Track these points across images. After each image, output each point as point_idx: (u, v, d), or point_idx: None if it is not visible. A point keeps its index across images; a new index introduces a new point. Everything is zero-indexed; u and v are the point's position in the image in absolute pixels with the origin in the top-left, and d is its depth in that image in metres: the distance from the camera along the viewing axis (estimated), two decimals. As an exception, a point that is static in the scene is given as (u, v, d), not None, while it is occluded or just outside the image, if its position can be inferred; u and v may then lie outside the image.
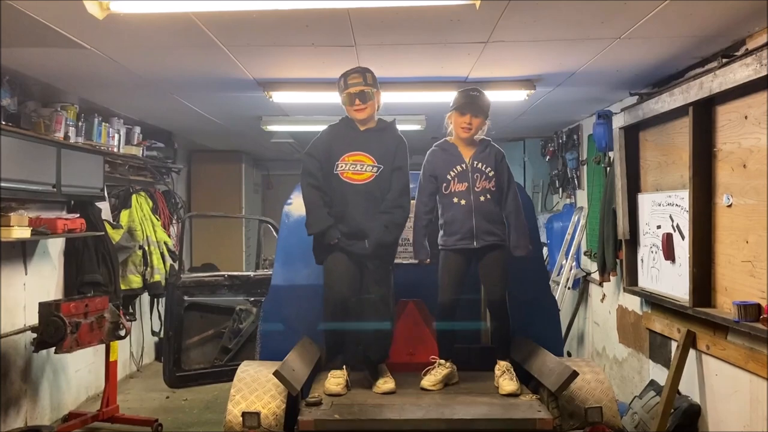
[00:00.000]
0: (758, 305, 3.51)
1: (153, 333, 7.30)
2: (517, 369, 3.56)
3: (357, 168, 3.54)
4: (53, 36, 3.62)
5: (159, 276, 6.73)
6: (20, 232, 4.53)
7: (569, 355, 6.94)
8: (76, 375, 5.86)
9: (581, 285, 6.90)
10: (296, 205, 4.13)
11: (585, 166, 6.80)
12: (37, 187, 4.87)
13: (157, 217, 7.12)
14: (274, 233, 5.42)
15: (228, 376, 3.78)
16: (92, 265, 5.66)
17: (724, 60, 3.73)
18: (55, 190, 5.07)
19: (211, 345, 5.27)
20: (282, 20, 3.45)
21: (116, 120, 6.21)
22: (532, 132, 7.89)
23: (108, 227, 6.03)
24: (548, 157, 7.90)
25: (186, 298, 5.15)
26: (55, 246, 5.55)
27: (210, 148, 9.14)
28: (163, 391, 6.04)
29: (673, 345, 4.57)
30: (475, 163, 3.61)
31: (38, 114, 4.97)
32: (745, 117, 3.67)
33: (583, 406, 3.27)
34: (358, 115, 3.59)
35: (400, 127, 3.75)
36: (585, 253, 6.81)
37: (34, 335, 4.67)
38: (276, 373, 3.14)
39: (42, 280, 5.33)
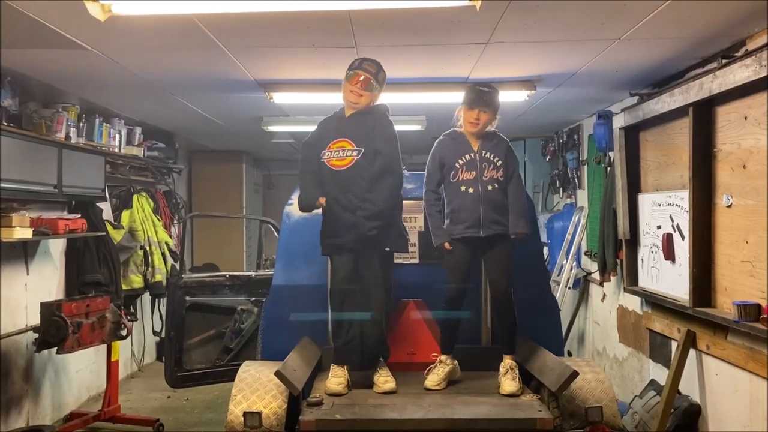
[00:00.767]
0: (758, 305, 3.51)
1: (154, 333, 7.31)
2: (518, 368, 3.56)
3: (339, 154, 3.59)
4: (54, 37, 3.63)
5: (160, 276, 6.74)
6: (22, 232, 4.54)
7: (570, 354, 6.95)
8: (78, 375, 5.87)
9: (582, 285, 6.91)
10: (297, 206, 4.14)
11: (585, 166, 6.80)
12: (39, 187, 4.88)
13: (158, 217, 7.13)
14: (275, 233, 5.42)
15: (229, 376, 3.80)
16: (93, 266, 5.67)
17: (724, 61, 3.74)
18: (56, 190, 5.08)
19: (212, 345, 5.28)
20: (283, 22, 3.45)
21: (117, 120, 6.22)
22: (532, 132, 7.89)
23: (109, 227, 6.04)
24: (549, 157, 7.91)
25: (187, 298, 5.16)
26: (57, 246, 5.56)
27: (211, 148, 9.15)
28: (165, 391, 6.05)
29: (674, 345, 4.57)
30: (484, 152, 3.63)
31: (39, 115, 4.98)
32: (745, 118, 3.68)
33: (584, 405, 3.28)
34: (352, 97, 3.60)
35: (400, 128, 3.76)
36: (585, 253, 6.82)
37: (36, 335, 4.69)
38: (277, 373, 3.14)
39: (43, 281, 5.34)
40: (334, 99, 3.83)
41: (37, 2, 3.15)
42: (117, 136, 6.20)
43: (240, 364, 3.69)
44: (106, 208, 6.18)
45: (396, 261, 3.97)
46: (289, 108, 5.86)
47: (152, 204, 7.05)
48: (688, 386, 4.37)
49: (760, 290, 3.54)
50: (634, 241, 5.13)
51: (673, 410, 4.31)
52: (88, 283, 5.59)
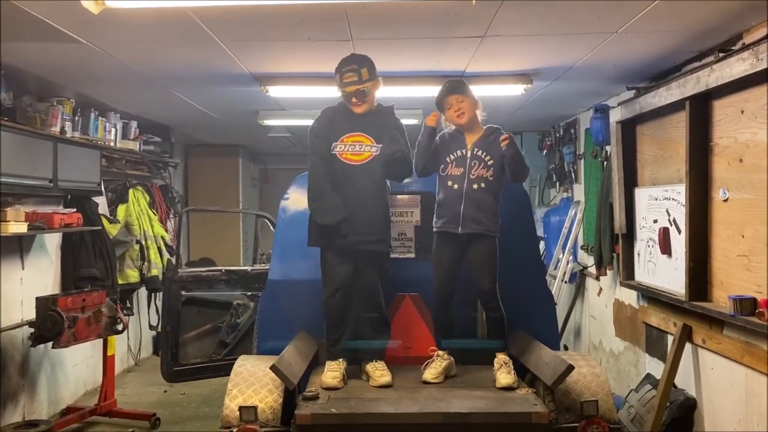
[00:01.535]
0: (754, 299, 3.52)
1: (150, 327, 7.31)
2: (513, 362, 3.56)
3: (356, 149, 3.56)
4: (49, 31, 3.61)
5: (156, 270, 6.73)
6: (17, 227, 4.53)
7: (566, 348, 6.96)
8: (74, 369, 5.87)
9: (578, 279, 6.92)
10: (293, 200, 4.14)
11: (582, 160, 6.80)
12: (34, 181, 4.86)
13: (154, 211, 7.12)
14: (272, 228, 5.41)
15: (225, 370, 3.79)
16: (89, 260, 5.66)
17: (721, 54, 3.73)
18: (51, 184, 5.07)
19: (208, 339, 5.28)
20: (278, 15, 3.44)
21: (113, 114, 6.19)
22: (529, 126, 7.88)
23: (105, 222, 6.03)
24: (545, 151, 7.90)
25: (183, 292, 5.15)
26: (52, 241, 5.54)
27: (207, 142, 9.12)
28: (161, 386, 6.05)
29: (670, 339, 4.58)
30: (476, 150, 3.63)
31: (34, 108, 4.95)
32: (742, 111, 3.67)
33: (579, 399, 3.28)
34: (357, 109, 3.61)
35: None
36: (582, 247, 6.82)
37: (32, 330, 4.67)
38: (273, 368, 3.14)
39: (39, 275, 5.33)
40: (331, 93, 3.82)
41: (30, -5, 3.13)
42: (113, 130, 6.17)
43: (236, 359, 3.69)
44: (101, 203, 6.16)
45: (392, 256, 3.98)
46: (285, 102, 5.84)
47: (148, 198, 7.04)
48: (684, 380, 4.38)
49: (756, 284, 3.55)
50: (630, 235, 5.13)
51: (668, 404, 4.32)
52: (83, 278, 5.58)
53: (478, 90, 4.81)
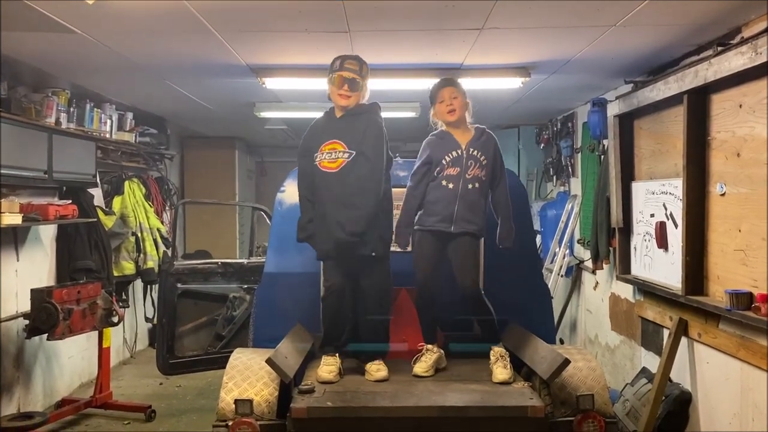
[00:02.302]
0: (750, 294, 3.52)
1: (146, 320, 7.29)
2: (509, 356, 3.56)
3: (331, 156, 3.50)
4: (43, 20, 3.58)
5: (152, 263, 6.71)
6: (11, 218, 4.50)
7: (562, 342, 6.97)
8: (69, 361, 5.85)
9: (574, 273, 6.92)
10: (289, 193, 4.12)
11: (579, 154, 6.79)
12: (28, 173, 4.83)
13: (150, 203, 7.09)
14: (268, 220, 5.40)
15: (221, 363, 3.78)
16: (85, 252, 5.64)
17: (720, 48, 3.72)
18: (46, 176, 5.04)
19: (204, 332, 5.27)
20: (274, 5, 3.41)
21: (108, 106, 6.16)
22: (526, 119, 7.87)
23: (100, 213, 6.00)
24: (543, 145, 7.89)
25: (179, 285, 5.14)
26: (47, 232, 5.52)
27: (203, 134, 9.09)
28: (157, 378, 6.04)
29: (665, 333, 4.59)
30: (471, 150, 3.61)
31: (29, 99, 4.92)
32: (740, 106, 3.67)
33: (575, 393, 3.28)
34: (342, 101, 3.54)
35: (394, 115, 3.73)
36: (578, 241, 6.82)
37: (27, 322, 4.66)
38: (268, 361, 3.14)
39: (34, 267, 5.31)
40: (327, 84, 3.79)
41: (24, -16, 3.10)
42: (108, 121, 6.14)
43: (232, 352, 3.68)
44: (97, 194, 6.13)
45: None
46: (282, 94, 5.81)
47: (144, 190, 7.01)
48: (680, 374, 4.39)
49: (753, 279, 3.55)
50: (627, 229, 5.13)
51: (664, 398, 4.33)
52: (79, 270, 5.55)
53: (475, 83, 4.83)
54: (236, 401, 3.19)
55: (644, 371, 4.89)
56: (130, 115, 6.67)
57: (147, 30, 3.86)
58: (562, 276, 6.90)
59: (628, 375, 5.31)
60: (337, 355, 3.52)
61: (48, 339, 4.70)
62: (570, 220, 6.82)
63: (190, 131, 8.87)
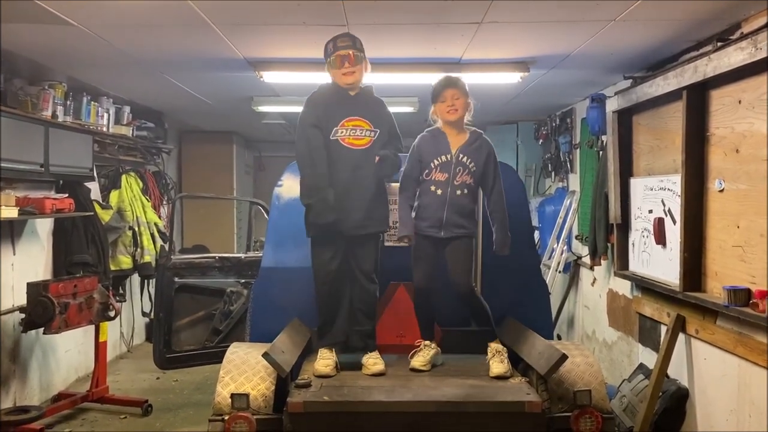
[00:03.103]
0: (748, 290, 3.52)
1: (143, 314, 7.29)
2: (507, 351, 3.56)
3: (357, 133, 3.50)
4: (40, 12, 3.56)
5: (149, 257, 6.70)
6: (7, 211, 4.49)
7: (559, 338, 6.97)
8: (66, 355, 5.85)
9: (572, 269, 6.92)
10: (287, 187, 4.11)
11: (578, 150, 6.78)
12: (25, 166, 4.81)
13: (148, 197, 7.07)
14: (265, 215, 5.39)
15: (218, 357, 3.77)
16: (81, 246, 5.62)
17: (719, 44, 3.70)
18: (43, 169, 5.02)
19: (201, 326, 5.26)
20: (273, -2, 3.40)
21: (105, 99, 6.13)
22: (525, 115, 7.86)
23: (97, 207, 5.98)
24: (541, 141, 7.88)
25: (176, 279, 5.12)
26: (44, 226, 5.50)
27: (201, 128, 9.07)
28: (154, 372, 6.03)
29: (663, 329, 4.59)
30: (461, 156, 3.58)
31: (25, 92, 4.89)
32: (739, 101, 3.66)
33: (572, 389, 3.28)
34: (347, 78, 3.51)
35: (393, 109, 3.73)
36: (576, 237, 6.82)
37: (23, 316, 4.65)
38: (265, 355, 3.13)
39: (30, 261, 5.29)
40: (325, 78, 3.76)
41: (19, -25, 3.08)
42: (105, 114, 6.11)
43: (229, 346, 3.67)
44: (94, 188, 6.11)
45: (387, 244, 3.96)
46: (280, 88, 5.79)
47: (141, 184, 6.99)
48: (677, 370, 4.39)
49: (751, 275, 3.54)
50: (625, 226, 5.12)
51: (661, 394, 4.33)
52: (75, 264, 5.54)
53: (474, 78, 4.81)
54: (233, 395, 3.18)
55: (641, 367, 4.89)
56: (127, 109, 6.65)
57: (144, 23, 3.84)
58: (560, 272, 6.90)
59: (625, 371, 5.31)
60: (333, 349, 3.51)
61: (44, 333, 4.70)
62: (568, 215, 6.81)
63: (187, 125, 8.84)
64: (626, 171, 5.10)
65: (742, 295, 3.52)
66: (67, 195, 5.33)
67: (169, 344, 5.08)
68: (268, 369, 3.24)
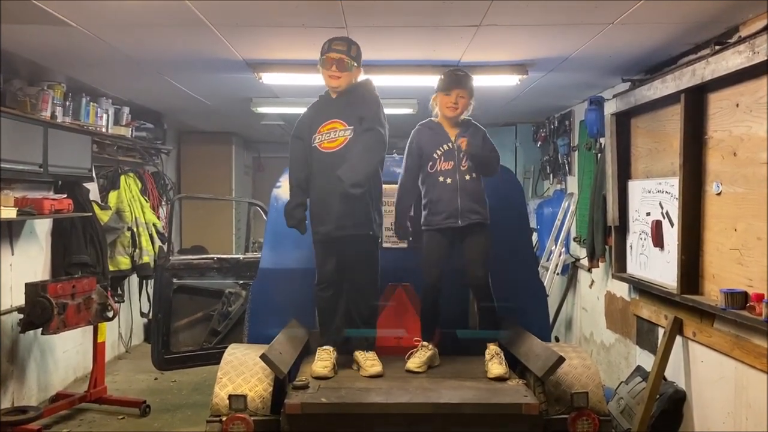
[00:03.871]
0: (745, 293, 3.52)
1: (141, 315, 7.29)
2: (504, 353, 3.56)
3: (331, 136, 3.51)
4: (39, 13, 3.56)
5: (148, 257, 6.70)
6: (6, 212, 4.49)
7: (557, 340, 6.98)
8: (64, 356, 5.84)
9: (570, 271, 6.92)
10: (285, 189, 4.10)
11: (576, 152, 6.79)
12: (24, 166, 4.81)
13: (146, 198, 7.08)
14: (264, 216, 5.39)
15: (217, 358, 3.78)
16: (80, 246, 5.62)
17: (717, 47, 3.71)
18: (41, 170, 5.02)
19: (200, 327, 5.26)
20: (272, 0, 3.40)
21: (104, 100, 6.13)
22: (523, 117, 7.86)
23: (96, 208, 5.98)
24: (539, 143, 7.89)
25: (175, 280, 5.13)
26: (43, 226, 5.50)
27: (200, 129, 9.06)
28: (152, 373, 6.03)
29: (660, 331, 4.59)
30: (461, 141, 3.61)
31: (24, 93, 4.90)
32: (737, 105, 3.66)
33: (570, 391, 3.28)
34: (333, 82, 3.55)
35: (392, 111, 3.73)
36: (574, 239, 6.82)
37: (21, 316, 4.65)
38: (263, 357, 3.13)
39: (29, 261, 5.29)
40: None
41: (19, -24, 3.08)
42: (104, 115, 6.11)
43: (227, 347, 3.67)
44: (93, 189, 6.11)
45: (385, 245, 3.96)
46: (279, 89, 5.80)
47: (140, 185, 6.99)
48: (674, 373, 4.39)
49: (748, 278, 3.55)
50: (623, 228, 5.13)
51: (658, 396, 4.33)
52: (74, 264, 5.54)
53: (473, 80, 4.80)
54: (230, 397, 3.18)
55: (639, 369, 4.89)
56: (126, 110, 6.65)
57: (144, 24, 3.84)
58: (557, 274, 6.90)
59: (622, 373, 5.32)
60: (331, 349, 3.52)
61: (42, 333, 4.69)
62: (566, 218, 6.82)
63: (186, 126, 8.84)
64: (624, 173, 5.11)
65: (739, 298, 3.52)
66: (65, 195, 5.33)
67: (168, 345, 5.08)
68: (266, 370, 3.24)
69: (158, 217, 7.21)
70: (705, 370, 4.06)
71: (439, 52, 4.45)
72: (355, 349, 3.59)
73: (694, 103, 4.02)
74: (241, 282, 5.22)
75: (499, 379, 3.38)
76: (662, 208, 4.49)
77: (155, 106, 7.28)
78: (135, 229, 6.62)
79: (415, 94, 5.89)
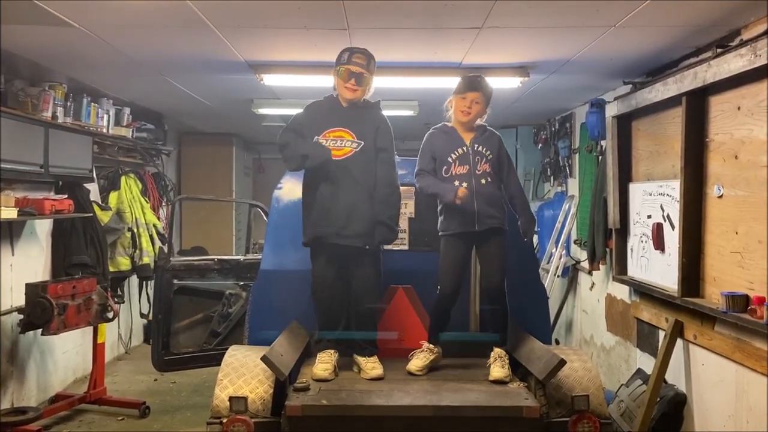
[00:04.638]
0: (746, 296, 3.52)
1: (141, 316, 7.27)
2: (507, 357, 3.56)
3: (337, 144, 3.52)
4: (41, 13, 3.56)
5: (148, 258, 6.69)
6: (7, 212, 4.49)
7: (557, 342, 6.98)
8: (64, 357, 5.83)
9: (570, 273, 6.92)
10: (286, 190, 4.11)
11: (577, 155, 6.79)
12: (24, 167, 4.81)
13: (147, 199, 7.07)
14: (264, 217, 5.39)
15: (217, 360, 3.77)
16: (80, 247, 5.61)
17: (719, 50, 3.71)
18: (42, 170, 5.01)
19: (200, 329, 5.25)
20: (274, 1, 3.40)
21: (105, 100, 6.13)
22: (524, 119, 7.86)
23: (96, 209, 5.98)
24: (540, 145, 7.89)
25: (175, 281, 5.12)
26: (43, 227, 5.50)
27: (201, 130, 9.06)
28: (151, 374, 6.02)
29: (661, 334, 4.59)
30: (476, 146, 3.61)
31: (25, 93, 4.89)
32: (738, 108, 3.66)
33: (570, 394, 3.28)
34: (348, 94, 3.55)
35: (393, 113, 3.74)
36: (575, 242, 6.82)
37: (21, 316, 4.64)
38: (263, 358, 3.13)
39: (29, 261, 5.28)
40: (326, 82, 3.78)
41: (21, -23, 3.08)
42: (105, 116, 6.11)
43: (227, 349, 3.67)
44: (93, 189, 6.10)
45: (386, 248, 3.96)
46: (280, 90, 5.80)
47: (140, 186, 6.98)
48: (675, 375, 4.39)
49: (749, 281, 3.55)
50: (624, 231, 5.13)
51: (659, 399, 4.33)
52: (74, 265, 5.53)
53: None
54: (231, 398, 3.18)
55: (639, 372, 4.89)
56: (127, 110, 6.65)
57: (145, 25, 3.84)
58: (558, 276, 6.90)
59: (623, 376, 5.32)
60: (332, 352, 3.51)
61: (42, 334, 4.69)
62: (567, 220, 6.82)
63: (187, 127, 8.84)
64: (625, 176, 5.11)
65: (740, 301, 3.52)
66: (66, 196, 5.33)
67: (168, 346, 5.07)
68: (267, 372, 3.24)
69: (158, 218, 7.20)
70: (705, 373, 4.05)
71: (441, 54, 4.45)
72: (355, 353, 3.58)
73: (696, 105, 4.02)
74: (242, 283, 5.22)
75: (500, 382, 3.37)
76: (663, 210, 4.49)
77: (156, 107, 7.29)
78: (135, 230, 6.61)
79: (416, 96, 5.89)
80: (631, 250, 5.05)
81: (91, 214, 5.74)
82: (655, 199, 4.62)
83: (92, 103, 5.82)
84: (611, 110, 5.28)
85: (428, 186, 3.61)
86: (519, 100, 6.21)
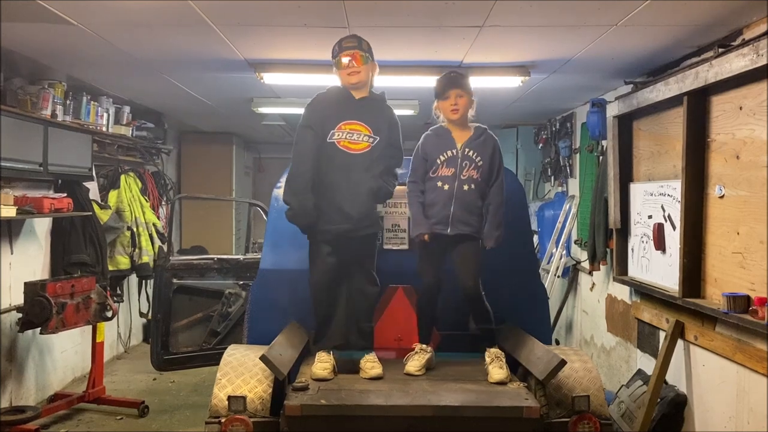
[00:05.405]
0: (747, 297, 3.51)
1: (141, 315, 7.27)
2: (505, 356, 3.55)
3: (353, 137, 3.46)
4: (40, 11, 3.55)
5: (147, 257, 6.69)
6: (5, 211, 4.48)
7: (557, 343, 6.97)
8: (63, 356, 5.83)
9: (571, 273, 6.91)
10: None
11: (578, 155, 6.78)
12: (24, 165, 4.80)
13: (146, 198, 7.07)
14: (264, 217, 5.38)
15: (216, 359, 3.76)
16: (79, 246, 5.61)
17: (721, 50, 3.70)
18: (41, 168, 5.00)
19: (199, 328, 5.25)
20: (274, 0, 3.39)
21: (105, 99, 6.12)
22: (525, 119, 7.85)
23: (96, 207, 5.97)
24: (541, 145, 7.88)
25: (175, 280, 5.11)
26: (42, 225, 5.49)
27: (201, 129, 9.06)
28: (150, 373, 6.02)
29: (662, 335, 4.58)
30: (467, 150, 3.57)
31: (25, 91, 4.88)
32: (740, 108, 3.65)
33: (571, 394, 3.27)
34: (352, 78, 3.47)
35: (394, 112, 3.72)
36: (575, 242, 6.81)
37: (20, 315, 4.63)
38: (263, 358, 3.12)
39: (28, 260, 5.28)
40: (326, 81, 3.76)
41: (20, -26, 3.07)
42: (105, 114, 6.10)
43: (226, 348, 3.66)
44: (93, 188, 6.10)
45: (385, 247, 3.95)
46: (280, 89, 5.79)
47: (140, 184, 6.98)
48: (675, 376, 4.38)
49: (750, 282, 3.54)
50: (624, 231, 5.12)
51: (659, 400, 4.32)
52: (73, 264, 5.53)
53: (475, 81, 4.79)
54: (229, 398, 3.17)
55: (640, 373, 4.88)
56: (127, 109, 6.64)
57: (145, 23, 3.83)
58: (558, 276, 6.89)
59: (623, 376, 5.30)
60: (331, 352, 3.50)
61: (41, 333, 4.68)
62: (567, 220, 6.81)
63: (187, 126, 8.83)
64: (626, 176, 5.09)
65: (741, 302, 3.51)
66: (65, 195, 5.32)
67: (167, 345, 5.07)
68: (266, 371, 3.23)
69: (158, 217, 7.19)
70: (706, 374, 4.04)
71: (441, 52, 4.44)
72: (353, 350, 3.57)
73: (697, 105, 4.01)
74: (241, 283, 5.21)
75: (500, 383, 3.36)
76: (664, 211, 4.48)
77: (156, 106, 7.28)
78: (135, 229, 6.61)
79: (417, 95, 5.88)
80: (632, 250, 5.04)
81: (91, 213, 5.73)
82: (656, 200, 4.60)
83: (92, 102, 5.82)
84: (612, 110, 5.26)
85: (410, 205, 3.66)
86: (520, 99, 6.20)
